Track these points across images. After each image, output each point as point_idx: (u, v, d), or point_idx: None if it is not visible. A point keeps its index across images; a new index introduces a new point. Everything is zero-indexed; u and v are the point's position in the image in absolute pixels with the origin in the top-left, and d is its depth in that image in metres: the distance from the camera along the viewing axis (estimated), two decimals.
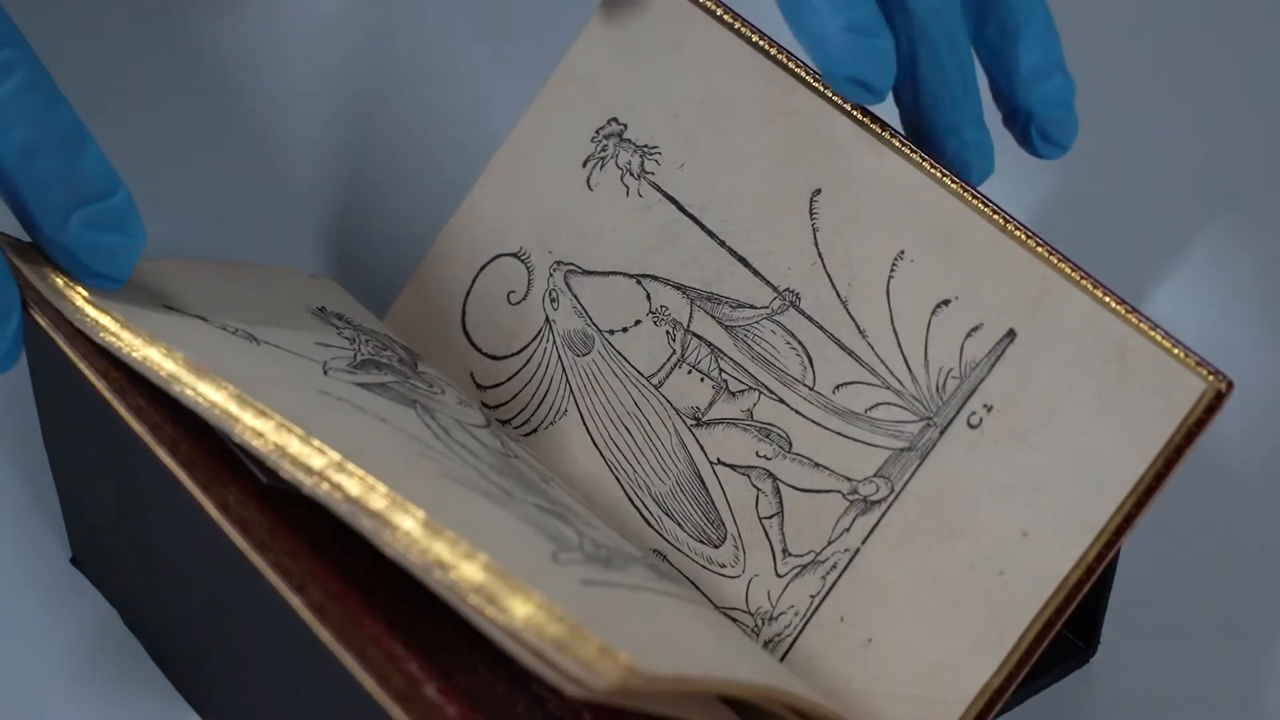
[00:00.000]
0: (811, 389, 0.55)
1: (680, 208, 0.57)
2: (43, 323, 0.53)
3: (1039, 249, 0.52)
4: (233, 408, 0.49)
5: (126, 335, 0.52)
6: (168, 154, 0.72)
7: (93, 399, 0.52)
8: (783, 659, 0.54)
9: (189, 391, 0.50)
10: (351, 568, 0.48)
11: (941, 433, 0.52)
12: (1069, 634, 0.59)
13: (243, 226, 0.71)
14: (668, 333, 0.57)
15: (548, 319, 0.59)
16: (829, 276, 0.55)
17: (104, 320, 0.52)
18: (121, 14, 0.76)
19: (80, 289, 0.53)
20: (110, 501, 0.58)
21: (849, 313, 0.54)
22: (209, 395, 0.50)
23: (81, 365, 0.52)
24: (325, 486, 0.47)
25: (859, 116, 0.55)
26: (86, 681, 0.59)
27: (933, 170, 0.54)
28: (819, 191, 0.55)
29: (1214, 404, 0.50)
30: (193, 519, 0.50)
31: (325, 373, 0.53)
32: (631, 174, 0.58)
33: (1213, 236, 0.71)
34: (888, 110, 0.56)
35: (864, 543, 0.53)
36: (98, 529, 0.60)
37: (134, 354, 0.51)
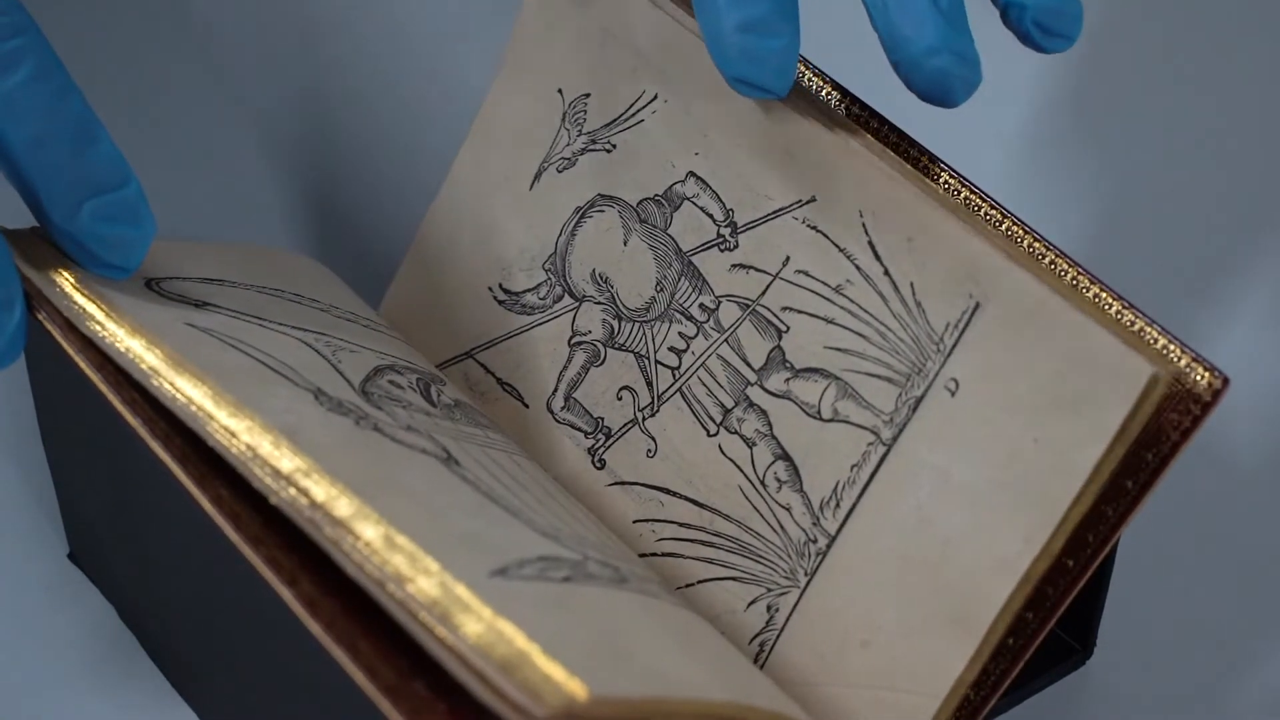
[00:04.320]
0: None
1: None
2: (39, 316, 0.53)
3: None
4: (209, 405, 0.49)
5: (111, 325, 0.52)
6: (162, 141, 0.72)
7: (88, 393, 0.52)
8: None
9: (166, 386, 0.50)
10: None
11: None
12: (1065, 635, 0.59)
13: (238, 213, 0.71)
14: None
15: None
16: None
17: (90, 308, 0.52)
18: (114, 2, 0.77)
19: (68, 275, 0.53)
20: (106, 496, 0.58)
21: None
22: (186, 391, 0.50)
23: (77, 359, 0.52)
24: (291, 491, 0.47)
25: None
26: (83, 677, 0.59)
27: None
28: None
29: (1208, 399, 0.50)
30: (187, 513, 0.50)
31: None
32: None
33: (1217, 234, 0.71)
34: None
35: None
36: (95, 524, 0.60)
37: (117, 344, 0.51)
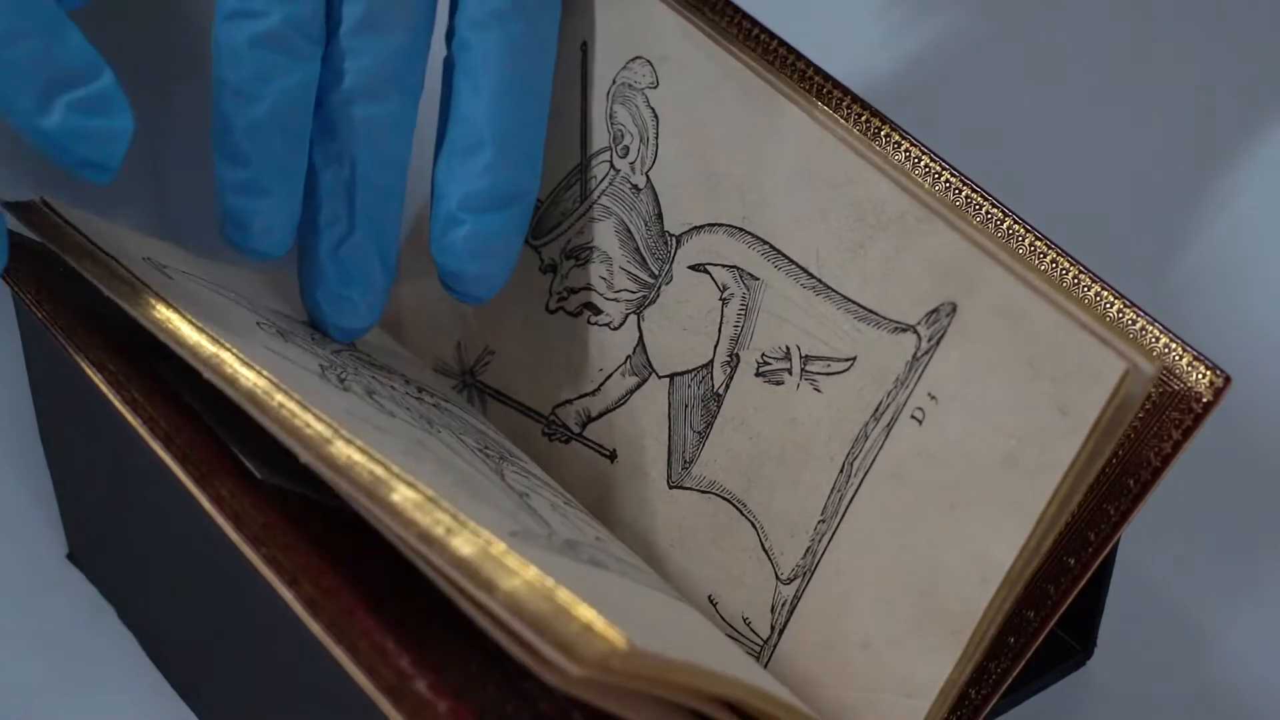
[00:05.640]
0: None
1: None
2: (39, 316, 0.53)
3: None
4: (226, 354, 0.49)
5: (112, 263, 0.52)
6: (158, 146, 0.72)
7: (88, 393, 0.52)
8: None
9: (187, 345, 0.50)
10: (344, 563, 0.48)
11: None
12: (1066, 636, 0.59)
13: None
14: None
15: None
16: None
17: (105, 260, 0.52)
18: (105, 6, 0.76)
19: (82, 236, 0.52)
20: (106, 496, 0.58)
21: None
22: (206, 346, 0.50)
23: (78, 359, 0.52)
24: (314, 455, 0.47)
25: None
26: (82, 677, 0.59)
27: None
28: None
29: (1210, 398, 0.49)
30: (187, 513, 0.50)
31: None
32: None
33: (1220, 232, 0.71)
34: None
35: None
36: (95, 525, 0.60)
37: (167, 326, 0.51)
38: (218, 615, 0.54)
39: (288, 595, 0.47)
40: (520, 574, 0.44)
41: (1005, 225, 0.53)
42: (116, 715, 0.58)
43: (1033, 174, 0.72)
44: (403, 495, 0.46)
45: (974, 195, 0.54)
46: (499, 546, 0.45)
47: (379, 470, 0.46)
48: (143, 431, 0.50)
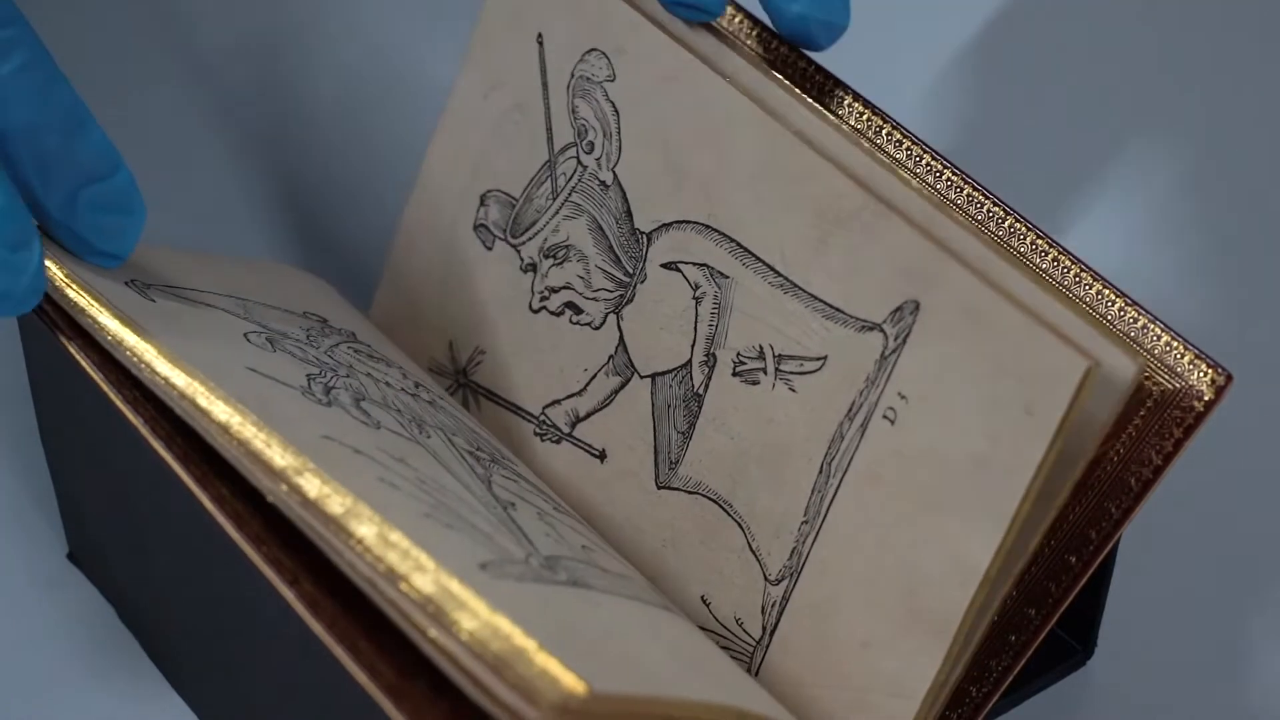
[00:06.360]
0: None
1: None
2: (39, 316, 0.53)
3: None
4: (201, 401, 0.49)
5: (104, 318, 0.51)
6: (141, 147, 0.72)
7: (89, 392, 0.52)
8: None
9: (160, 379, 0.50)
10: None
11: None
12: (1065, 635, 0.59)
13: (223, 218, 0.71)
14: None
15: None
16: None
17: (82, 302, 0.52)
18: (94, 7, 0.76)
19: (59, 269, 0.52)
20: (106, 496, 0.58)
21: None
22: (179, 385, 0.50)
23: (79, 358, 0.52)
24: (284, 488, 0.47)
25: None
26: (82, 677, 0.59)
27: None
28: None
29: (1211, 397, 0.49)
30: (188, 513, 0.50)
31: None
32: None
33: (1222, 230, 0.71)
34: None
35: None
36: (94, 524, 0.60)
37: (107, 335, 0.51)
38: (218, 615, 0.54)
39: (288, 595, 0.47)
40: (480, 615, 0.44)
41: (1007, 223, 0.53)
42: (116, 715, 0.58)
43: (1033, 172, 0.72)
44: (365, 531, 0.46)
45: (975, 193, 0.53)
46: (459, 586, 0.44)
47: (347, 502, 0.46)
48: (143, 431, 0.50)
